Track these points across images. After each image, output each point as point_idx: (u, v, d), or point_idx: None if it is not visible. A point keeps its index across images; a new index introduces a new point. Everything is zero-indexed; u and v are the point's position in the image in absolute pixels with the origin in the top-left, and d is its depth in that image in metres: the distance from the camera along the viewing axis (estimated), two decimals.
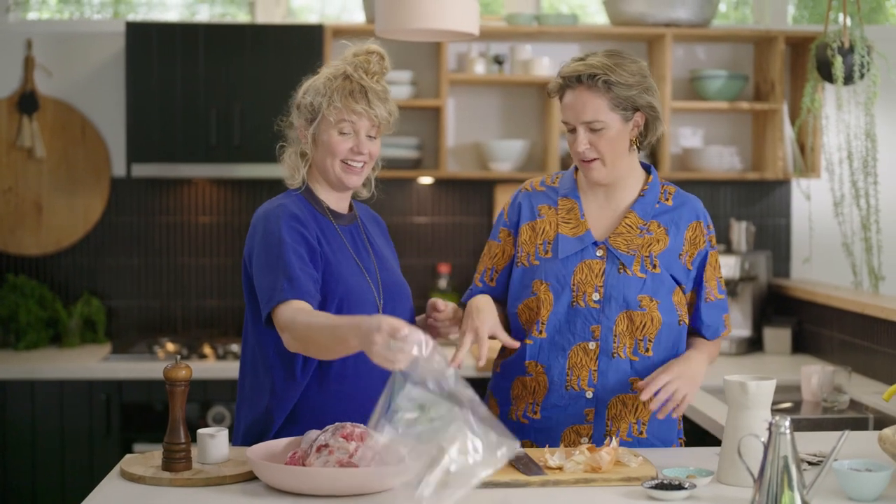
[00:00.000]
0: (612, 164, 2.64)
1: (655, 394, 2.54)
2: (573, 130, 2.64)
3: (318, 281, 2.52)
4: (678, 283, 2.68)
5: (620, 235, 2.67)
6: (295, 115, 2.68)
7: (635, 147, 2.68)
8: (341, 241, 2.65)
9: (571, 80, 2.62)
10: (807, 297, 4.54)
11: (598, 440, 2.66)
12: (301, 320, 2.40)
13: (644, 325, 2.63)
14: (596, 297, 2.64)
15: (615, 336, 2.64)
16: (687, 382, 2.56)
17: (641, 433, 2.68)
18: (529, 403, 2.70)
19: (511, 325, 2.75)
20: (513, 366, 2.73)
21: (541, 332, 2.67)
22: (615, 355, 2.64)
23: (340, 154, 2.61)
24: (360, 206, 2.83)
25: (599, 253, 2.66)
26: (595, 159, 2.64)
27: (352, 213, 2.74)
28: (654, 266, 2.65)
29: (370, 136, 2.63)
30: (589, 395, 2.65)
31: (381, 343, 2.13)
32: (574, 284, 2.65)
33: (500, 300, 2.78)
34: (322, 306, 2.53)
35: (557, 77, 2.67)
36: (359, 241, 2.69)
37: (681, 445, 2.78)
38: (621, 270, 2.64)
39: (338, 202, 2.70)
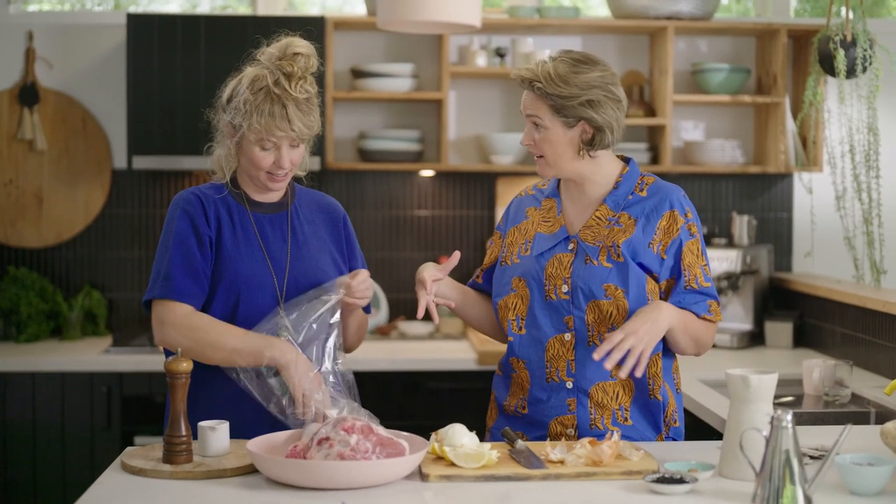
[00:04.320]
0: (556, 163, 2.71)
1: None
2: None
3: (200, 272, 2.62)
4: (650, 272, 2.70)
5: (590, 228, 2.73)
6: (220, 116, 2.71)
7: (585, 152, 2.70)
8: (251, 229, 2.70)
9: (519, 82, 2.71)
10: (808, 290, 4.53)
11: (583, 430, 2.68)
12: (208, 325, 2.59)
13: (611, 314, 2.66)
14: (565, 288, 2.69)
15: (588, 326, 2.68)
16: (643, 336, 2.53)
17: (626, 420, 2.70)
18: (519, 399, 2.76)
19: (496, 319, 2.84)
20: (505, 364, 2.81)
21: (520, 329, 2.74)
22: (591, 344, 2.67)
23: (263, 168, 2.65)
24: (314, 194, 2.85)
25: (571, 247, 2.72)
26: (541, 156, 2.72)
27: (280, 203, 2.76)
28: (619, 255, 2.68)
29: (293, 146, 2.65)
30: (569, 385, 2.70)
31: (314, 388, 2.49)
32: (546, 278, 2.71)
33: (486, 293, 2.92)
34: (213, 288, 2.63)
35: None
36: (278, 230, 2.73)
37: (671, 428, 2.77)
38: (588, 261, 2.69)
39: (264, 194, 2.74)
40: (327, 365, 2.57)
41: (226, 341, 2.56)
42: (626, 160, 2.81)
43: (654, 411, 2.72)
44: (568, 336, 2.69)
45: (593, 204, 2.75)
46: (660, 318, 2.58)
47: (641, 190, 2.75)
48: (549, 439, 2.70)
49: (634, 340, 2.52)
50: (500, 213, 4.91)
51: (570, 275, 2.69)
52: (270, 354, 2.51)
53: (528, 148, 2.75)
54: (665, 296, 2.72)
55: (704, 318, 2.73)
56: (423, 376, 4.32)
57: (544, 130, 2.68)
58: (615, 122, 2.69)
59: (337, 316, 2.61)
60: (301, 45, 2.63)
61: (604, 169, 2.75)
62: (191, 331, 2.58)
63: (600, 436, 2.64)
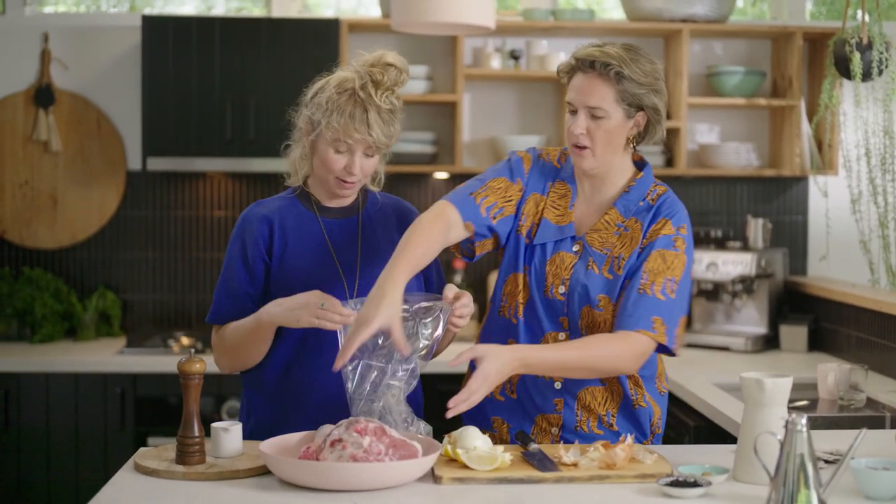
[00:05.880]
0: (603, 155, 2.60)
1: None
2: (575, 112, 2.60)
3: (242, 294, 2.65)
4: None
5: (598, 232, 2.64)
6: (301, 114, 2.69)
7: (631, 145, 2.65)
8: (320, 235, 2.68)
9: (585, 64, 2.58)
10: (823, 294, 4.52)
11: (568, 431, 2.64)
12: (224, 331, 2.67)
13: (600, 325, 2.60)
14: (562, 289, 2.62)
15: (581, 330, 2.62)
16: (491, 386, 2.41)
17: (612, 425, 2.66)
18: (507, 382, 2.68)
19: (495, 290, 2.73)
20: (497, 342, 2.65)
21: (520, 316, 2.66)
22: None
23: (334, 172, 2.63)
24: (387, 198, 2.84)
25: (576, 248, 2.64)
26: (587, 147, 2.59)
27: (351, 207, 2.75)
28: (619, 269, 2.61)
29: (367, 155, 2.63)
30: (557, 385, 2.65)
31: (314, 303, 2.45)
32: (546, 274, 2.64)
33: (483, 237, 2.65)
34: (288, 294, 2.60)
35: (571, 58, 2.62)
36: (348, 235, 2.71)
37: (656, 435, 2.74)
38: (590, 267, 2.62)
39: (334, 199, 2.73)
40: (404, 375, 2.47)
41: (237, 333, 2.62)
42: (642, 165, 2.74)
43: (639, 419, 2.68)
44: (562, 336, 2.64)
45: (604, 205, 2.67)
46: (504, 371, 2.43)
47: (651, 199, 2.66)
48: (532, 432, 2.68)
49: (485, 390, 2.40)
50: None
51: (570, 277, 2.62)
52: (269, 317, 2.55)
53: (577, 139, 2.57)
54: (619, 295, 2.59)
55: (640, 332, 2.52)
56: (435, 378, 4.32)
57: (603, 119, 2.56)
58: (663, 118, 2.66)
59: (437, 332, 2.48)
60: (396, 58, 2.63)
61: (623, 168, 2.68)
62: (222, 345, 2.68)
63: (584, 438, 2.62)
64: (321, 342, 2.60)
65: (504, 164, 2.72)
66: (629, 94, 2.56)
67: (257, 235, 2.66)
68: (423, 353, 2.47)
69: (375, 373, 2.44)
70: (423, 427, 2.46)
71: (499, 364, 2.40)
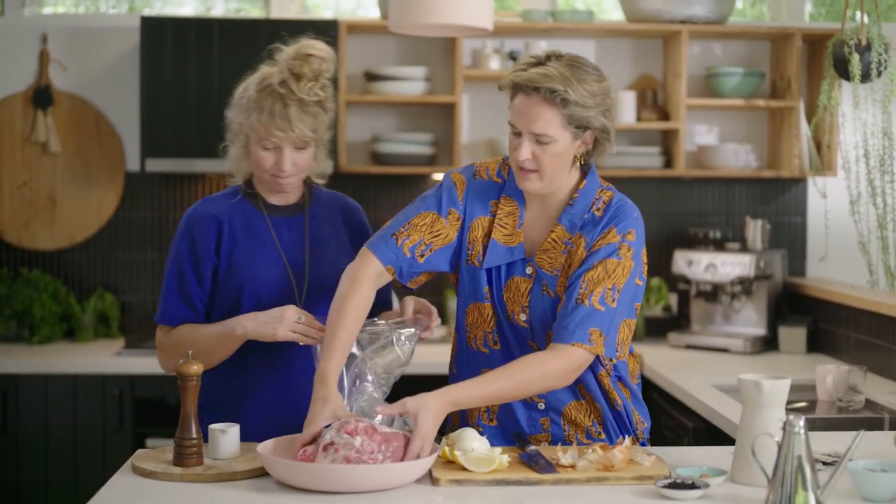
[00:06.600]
0: (550, 177, 2.48)
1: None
2: (518, 135, 2.47)
3: (193, 296, 2.64)
4: None
5: (546, 252, 2.53)
6: (232, 113, 2.67)
7: (578, 163, 2.53)
8: (267, 234, 2.67)
9: (527, 88, 2.44)
10: (822, 296, 4.52)
11: (557, 444, 2.61)
12: (179, 336, 2.64)
13: None
14: (523, 317, 2.55)
15: None
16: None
17: (600, 434, 2.62)
18: (483, 411, 2.64)
19: (457, 321, 2.66)
20: (470, 372, 2.60)
21: (496, 343, 2.59)
22: None
23: (266, 170, 2.62)
24: (332, 195, 2.83)
25: (529, 271, 2.54)
26: (533, 171, 2.48)
27: (297, 205, 2.73)
28: None
29: (297, 149, 2.60)
30: (541, 406, 2.60)
31: (290, 317, 2.50)
32: (506, 301, 2.57)
33: (414, 274, 2.57)
34: (237, 297, 2.63)
35: (512, 76, 2.47)
36: (295, 232, 2.70)
37: (644, 429, 2.70)
38: (545, 291, 2.53)
39: (276, 195, 2.71)
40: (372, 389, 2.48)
41: (201, 340, 2.60)
42: (587, 167, 2.58)
43: (621, 420, 2.64)
44: None
45: (551, 221, 2.55)
46: (438, 419, 2.36)
47: (598, 208, 2.54)
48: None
49: (430, 443, 2.33)
50: None
51: (529, 304, 2.54)
52: (243, 330, 2.55)
53: (522, 163, 2.45)
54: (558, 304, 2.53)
55: (576, 346, 2.42)
56: (434, 380, 4.31)
57: (549, 145, 2.44)
58: (613, 135, 2.53)
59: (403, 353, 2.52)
60: (317, 47, 2.59)
61: (569, 180, 2.55)
62: (175, 347, 2.65)
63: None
64: (267, 342, 2.59)
65: (434, 193, 2.61)
66: (576, 118, 2.43)
67: (206, 235, 2.64)
68: (399, 366, 2.53)
69: (349, 380, 2.46)
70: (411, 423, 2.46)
71: (431, 416, 2.33)
